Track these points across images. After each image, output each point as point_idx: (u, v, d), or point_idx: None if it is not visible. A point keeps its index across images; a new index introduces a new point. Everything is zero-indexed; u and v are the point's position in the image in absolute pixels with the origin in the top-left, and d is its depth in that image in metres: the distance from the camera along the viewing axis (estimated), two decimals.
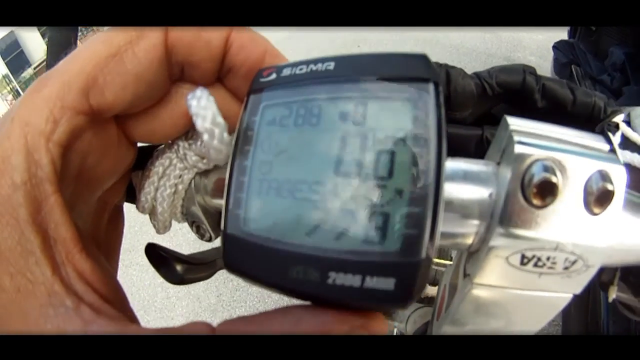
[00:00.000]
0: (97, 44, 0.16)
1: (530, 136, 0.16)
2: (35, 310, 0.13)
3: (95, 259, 0.15)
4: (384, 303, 0.12)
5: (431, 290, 0.60)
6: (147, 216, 0.22)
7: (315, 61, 0.15)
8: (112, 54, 0.15)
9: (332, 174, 0.14)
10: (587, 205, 0.16)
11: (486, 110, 0.28)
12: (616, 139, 0.24)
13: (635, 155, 0.23)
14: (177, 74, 0.18)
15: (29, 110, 0.15)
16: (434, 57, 0.16)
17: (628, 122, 0.26)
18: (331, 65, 0.15)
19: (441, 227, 0.12)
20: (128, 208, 0.25)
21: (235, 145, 0.15)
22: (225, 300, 1.57)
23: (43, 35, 3.25)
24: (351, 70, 0.15)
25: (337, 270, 0.12)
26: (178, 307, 1.61)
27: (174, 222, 0.26)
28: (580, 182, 0.16)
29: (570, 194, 0.16)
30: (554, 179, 0.15)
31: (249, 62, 0.17)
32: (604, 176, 0.15)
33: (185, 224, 0.24)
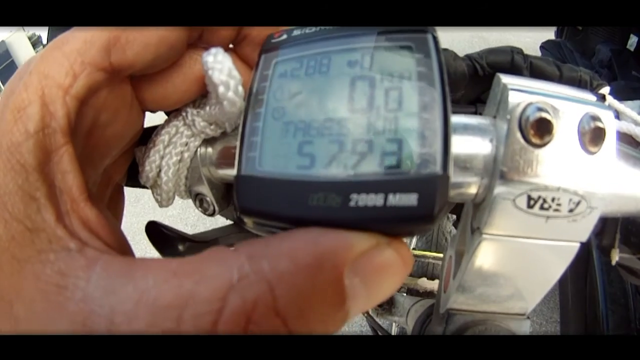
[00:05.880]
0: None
1: (523, 86, 0.18)
2: (32, 258, 0.13)
3: (101, 210, 0.15)
4: (409, 220, 0.12)
5: (429, 284, 0.60)
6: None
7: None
8: None
9: (345, 111, 0.14)
10: (583, 145, 0.17)
11: (477, 95, 0.29)
12: None
13: (623, 122, 0.24)
14: (195, 37, 0.18)
15: (48, 64, 0.15)
16: None
17: (617, 118, 0.28)
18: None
19: (453, 147, 0.13)
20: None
21: (248, 98, 0.16)
22: None
23: (34, 45, 3.24)
24: (357, 29, 0.16)
25: (358, 191, 0.13)
26: None
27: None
28: (573, 123, 0.17)
29: (565, 134, 0.17)
30: (548, 117, 0.16)
31: (264, 31, 0.18)
32: (594, 117, 0.17)
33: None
